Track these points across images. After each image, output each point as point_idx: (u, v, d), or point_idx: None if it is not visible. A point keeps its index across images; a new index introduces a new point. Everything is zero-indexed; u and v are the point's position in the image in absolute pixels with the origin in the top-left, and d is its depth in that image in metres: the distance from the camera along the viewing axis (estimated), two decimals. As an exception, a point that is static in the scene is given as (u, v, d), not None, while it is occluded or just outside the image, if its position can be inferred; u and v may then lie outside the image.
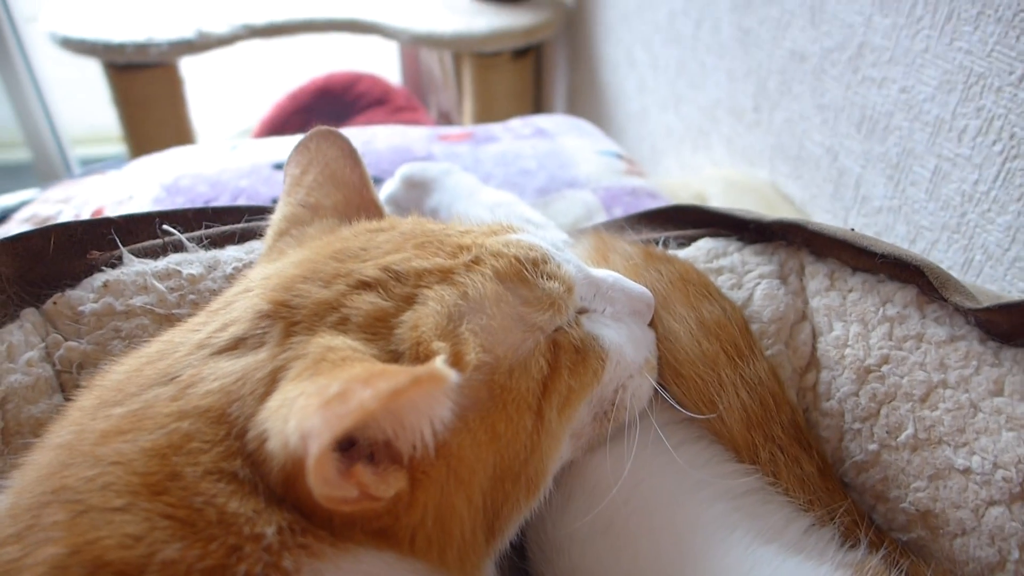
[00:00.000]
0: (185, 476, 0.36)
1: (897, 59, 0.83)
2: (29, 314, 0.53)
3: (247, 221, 0.63)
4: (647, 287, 0.56)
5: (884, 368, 0.56)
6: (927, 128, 0.80)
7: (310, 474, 0.31)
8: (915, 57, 0.81)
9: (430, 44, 1.85)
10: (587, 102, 1.98)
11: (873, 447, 0.56)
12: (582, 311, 0.50)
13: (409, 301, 0.43)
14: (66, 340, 0.52)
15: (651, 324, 0.55)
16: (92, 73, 1.85)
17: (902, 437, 0.54)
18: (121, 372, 0.43)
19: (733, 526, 0.49)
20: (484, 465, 0.40)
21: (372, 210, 0.58)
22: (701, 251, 0.65)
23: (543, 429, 0.43)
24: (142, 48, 1.67)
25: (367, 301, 0.42)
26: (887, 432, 0.55)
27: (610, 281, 0.52)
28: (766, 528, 0.50)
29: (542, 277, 0.47)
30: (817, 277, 0.61)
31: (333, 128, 0.61)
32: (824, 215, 1.01)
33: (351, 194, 0.58)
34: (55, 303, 0.54)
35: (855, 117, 0.91)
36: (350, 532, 0.38)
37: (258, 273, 0.49)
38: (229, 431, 0.38)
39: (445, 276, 0.44)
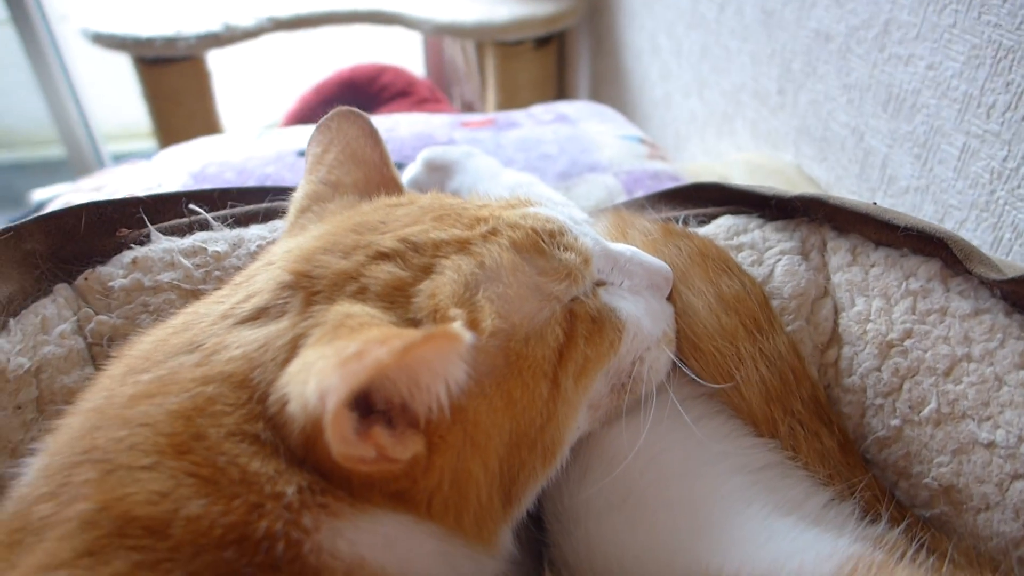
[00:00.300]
0: (209, 437, 0.37)
1: (924, 35, 0.82)
2: (62, 289, 0.54)
3: (270, 201, 0.65)
4: (665, 262, 0.56)
5: (907, 343, 0.55)
6: (955, 105, 0.79)
7: (327, 429, 0.32)
8: (942, 32, 0.79)
9: (452, 33, 1.86)
10: (611, 90, 1.97)
11: (895, 422, 0.55)
12: (599, 283, 0.50)
13: (427, 271, 0.43)
14: (97, 314, 0.54)
15: (670, 299, 0.55)
16: (124, 70, 1.89)
17: (925, 412, 0.53)
18: (148, 342, 0.44)
19: (751, 499, 0.49)
20: (500, 431, 0.41)
21: (392, 187, 0.59)
22: (721, 228, 0.65)
23: (559, 397, 0.43)
24: (170, 42, 1.70)
25: (385, 271, 0.43)
26: (910, 407, 0.54)
27: (628, 255, 0.52)
28: (784, 501, 0.49)
29: (559, 248, 0.47)
30: (839, 252, 0.61)
31: (354, 108, 0.62)
32: (850, 196, 0.99)
33: (371, 172, 0.59)
34: (86, 279, 0.55)
35: (881, 96, 0.90)
36: (369, 494, 0.38)
37: (280, 248, 0.50)
38: (252, 395, 0.39)
39: (462, 246, 0.45)
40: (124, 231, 0.57)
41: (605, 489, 0.49)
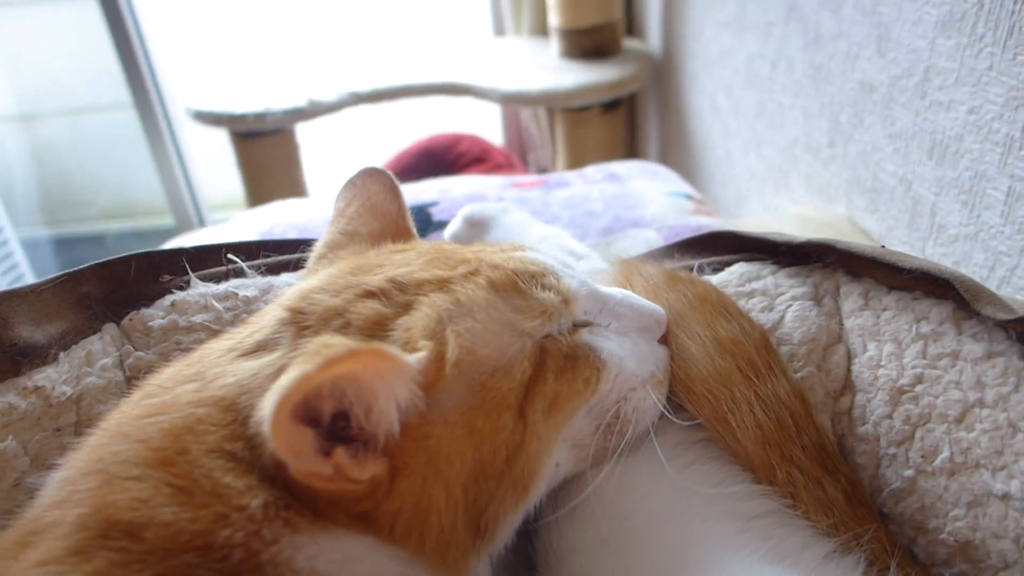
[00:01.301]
0: (191, 452, 0.40)
1: (963, 80, 0.80)
2: (109, 328, 0.61)
3: (302, 252, 0.70)
4: (664, 307, 0.56)
5: (918, 388, 0.53)
6: (997, 148, 0.76)
7: (269, 439, 0.35)
8: (980, 76, 0.77)
9: (519, 101, 1.94)
10: (677, 151, 1.99)
11: (909, 473, 0.52)
12: (585, 324, 0.51)
13: (407, 308, 0.46)
14: (136, 351, 0.60)
15: (666, 343, 0.56)
16: (226, 145, 2.09)
17: (938, 461, 0.50)
18: (166, 373, 0.49)
19: (740, 546, 0.47)
20: (463, 458, 0.42)
21: (406, 237, 0.62)
22: (734, 275, 0.65)
23: (527, 430, 0.44)
24: (260, 117, 1.87)
25: (369, 307, 0.46)
26: (922, 456, 0.51)
27: (618, 297, 0.53)
28: (778, 550, 0.48)
29: (538, 288, 0.49)
30: (851, 297, 0.59)
31: (378, 166, 0.67)
32: (901, 247, 0.96)
33: (388, 223, 0.63)
34: (131, 319, 0.61)
35: (925, 143, 0.87)
36: (334, 514, 0.41)
37: (292, 289, 0.54)
38: (236, 417, 0.42)
39: (442, 285, 0.47)
40: (167, 277, 0.64)
41: (590, 530, 0.49)
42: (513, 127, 2.77)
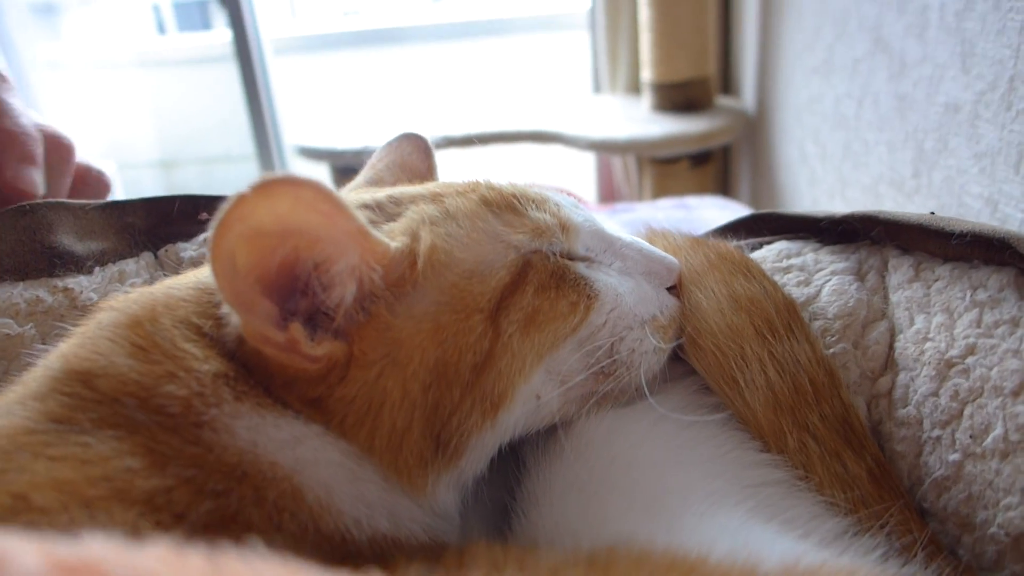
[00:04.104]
0: (160, 321, 0.41)
1: (1056, 84, 0.73)
2: (146, 256, 0.64)
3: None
4: (680, 262, 0.53)
5: (969, 360, 0.46)
6: (1095, 151, 0.68)
7: (214, 275, 0.34)
8: (1074, 76, 0.70)
9: (607, 148, 1.96)
10: (766, 204, 1.92)
11: (955, 457, 0.45)
12: (584, 259, 0.48)
13: (396, 217, 0.46)
14: (165, 276, 0.62)
15: (679, 298, 0.52)
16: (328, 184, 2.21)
17: (989, 440, 0.43)
18: None
19: (734, 504, 0.41)
20: (424, 354, 0.40)
21: None
22: (772, 251, 0.60)
23: (499, 341, 0.42)
24: (358, 153, 1.96)
25: (361, 215, 0.46)
26: (971, 436, 0.44)
27: (626, 240, 0.51)
28: (779, 518, 0.41)
29: (533, 209, 0.47)
30: (900, 270, 0.53)
31: (415, 131, 0.69)
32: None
33: (414, 178, 0.64)
34: (166, 251, 0.64)
35: (1012, 158, 0.80)
36: (287, 396, 0.39)
37: None
38: (212, 300, 0.42)
39: (435, 198, 0.47)
40: (206, 216, 0.66)
41: (568, 473, 0.44)
42: (606, 177, 2.79)
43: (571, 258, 0.47)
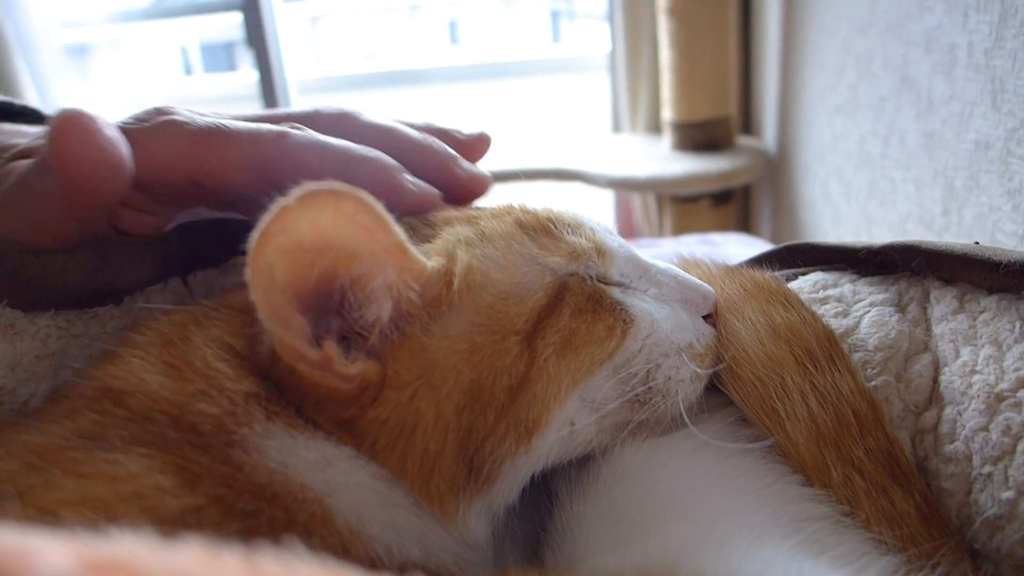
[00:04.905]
0: (193, 340, 0.40)
1: (1092, 119, 0.72)
2: (174, 281, 0.64)
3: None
4: (716, 291, 0.52)
5: (1020, 393, 0.44)
6: None
7: (251, 290, 0.34)
8: (1111, 110, 0.70)
9: (626, 187, 1.96)
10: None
11: (1008, 495, 0.43)
12: (620, 284, 0.48)
13: (430, 238, 0.45)
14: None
15: (715, 326, 0.51)
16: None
17: (1045, 479, 0.41)
18: None
19: (780, 538, 0.40)
20: (459, 376, 0.39)
21: None
22: (807, 282, 0.59)
23: (535, 365, 0.41)
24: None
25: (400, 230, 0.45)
26: (1025, 474, 0.42)
27: (661, 267, 0.50)
28: (827, 553, 0.40)
29: (569, 232, 0.47)
30: (944, 301, 0.52)
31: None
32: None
33: None
34: (195, 275, 0.64)
35: (1049, 192, 0.79)
36: (318, 417, 0.39)
37: None
38: (244, 319, 0.42)
39: (470, 220, 0.46)
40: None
41: (603, 503, 0.43)
42: (625, 216, 2.79)
43: (606, 283, 0.47)
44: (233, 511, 0.32)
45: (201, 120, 0.50)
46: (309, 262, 0.35)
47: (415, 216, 0.49)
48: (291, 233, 0.34)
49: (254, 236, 0.33)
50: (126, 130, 0.48)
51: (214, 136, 0.49)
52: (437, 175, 0.54)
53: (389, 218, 0.36)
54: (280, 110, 0.57)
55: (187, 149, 0.49)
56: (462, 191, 0.56)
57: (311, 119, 0.55)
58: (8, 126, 0.58)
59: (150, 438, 0.35)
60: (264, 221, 0.33)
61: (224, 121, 0.51)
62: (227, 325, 0.42)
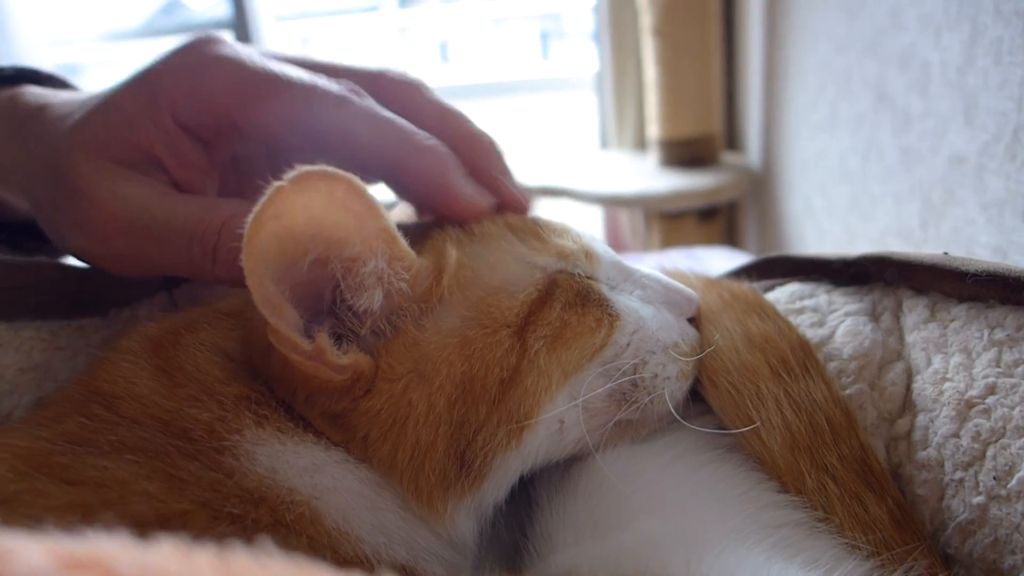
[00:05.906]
0: (184, 345, 0.41)
1: (1059, 135, 0.75)
2: (159, 296, 0.64)
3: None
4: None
5: (990, 400, 0.45)
6: (1102, 200, 0.69)
7: (247, 277, 0.34)
8: (1077, 126, 0.72)
9: (613, 203, 1.98)
10: (772, 260, 1.93)
11: (979, 500, 0.44)
12: (606, 284, 0.49)
13: (421, 239, 0.46)
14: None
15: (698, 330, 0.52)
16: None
17: (1014, 482, 0.42)
18: None
19: (753, 543, 0.41)
20: (451, 368, 0.40)
21: None
22: (784, 293, 0.60)
23: (526, 358, 0.41)
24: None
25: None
26: (995, 478, 0.43)
27: (645, 271, 0.51)
28: (801, 558, 0.40)
29: (557, 236, 0.48)
30: (916, 310, 0.53)
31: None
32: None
33: None
34: (180, 288, 0.65)
35: (1019, 208, 0.81)
36: (309, 413, 0.39)
37: None
38: (235, 323, 0.43)
39: (463, 226, 0.48)
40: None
41: (583, 511, 0.44)
42: (613, 233, 2.81)
43: (594, 281, 0.48)
44: (220, 515, 0.33)
45: (255, 62, 0.46)
46: (303, 251, 0.36)
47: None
48: (285, 220, 0.34)
49: (248, 222, 0.33)
50: (171, 61, 0.46)
51: (267, 83, 0.45)
52: (488, 179, 0.50)
53: (378, 203, 0.37)
54: (344, 63, 0.52)
55: (235, 89, 0.45)
56: (513, 203, 0.51)
57: (375, 80, 0.50)
58: (36, 89, 0.57)
59: (139, 443, 0.35)
60: (259, 206, 0.33)
61: (279, 69, 0.46)
62: (217, 329, 0.42)
